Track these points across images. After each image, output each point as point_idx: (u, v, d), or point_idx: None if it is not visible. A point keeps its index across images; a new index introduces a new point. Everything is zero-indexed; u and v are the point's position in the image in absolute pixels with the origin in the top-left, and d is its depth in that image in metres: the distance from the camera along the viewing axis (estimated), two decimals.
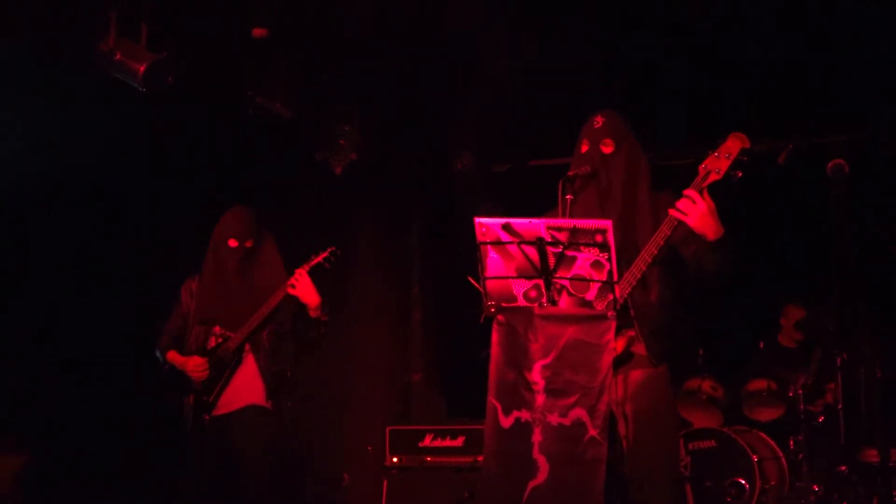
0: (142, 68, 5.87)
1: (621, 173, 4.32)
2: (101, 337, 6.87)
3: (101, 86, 6.07)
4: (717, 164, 4.03)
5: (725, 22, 6.34)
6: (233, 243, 5.43)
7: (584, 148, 4.37)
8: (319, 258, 5.40)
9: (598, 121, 4.38)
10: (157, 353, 5.57)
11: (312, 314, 5.37)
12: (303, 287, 5.30)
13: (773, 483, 6.87)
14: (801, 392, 7.16)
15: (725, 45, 6.56)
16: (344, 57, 6.96)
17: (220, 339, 5.43)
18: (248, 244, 5.46)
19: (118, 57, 5.87)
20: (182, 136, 6.86)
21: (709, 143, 6.75)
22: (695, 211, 3.95)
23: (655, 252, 4.02)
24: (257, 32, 6.47)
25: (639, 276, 4.04)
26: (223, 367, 5.37)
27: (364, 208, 8.29)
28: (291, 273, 5.38)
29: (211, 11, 6.20)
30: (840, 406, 6.92)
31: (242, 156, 7.22)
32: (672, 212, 3.99)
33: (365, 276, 8.16)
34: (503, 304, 3.97)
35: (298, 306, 5.38)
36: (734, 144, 4.04)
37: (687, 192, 4.00)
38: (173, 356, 5.49)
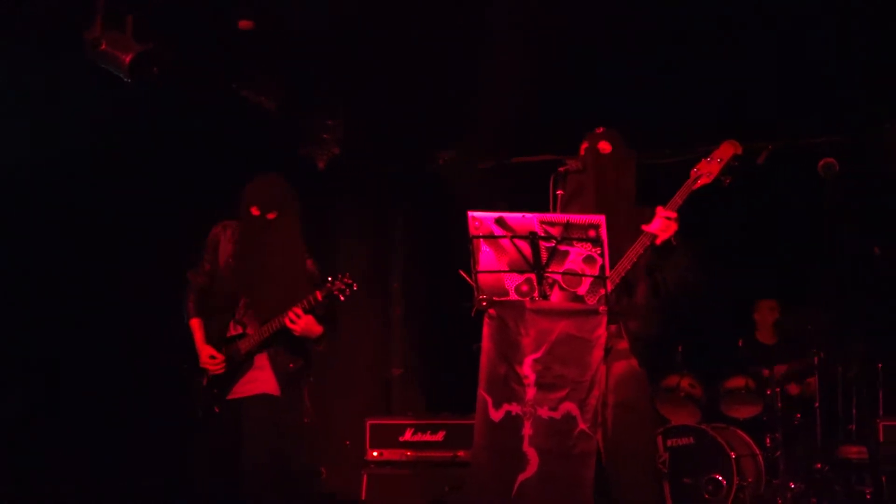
0: (127, 58, 5.83)
1: (613, 174, 4.40)
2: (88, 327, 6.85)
3: (87, 74, 6.03)
4: (708, 168, 4.15)
5: (712, 20, 6.39)
6: (255, 212, 5.31)
7: (583, 150, 4.47)
8: (334, 288, 5.23)
9: (600, 129, 4.51)
10: (183, 311, 5.41)
11: (313, 345, 5.34)
12: (303, 326, 5.20)
13: (750, 480, 6.92)
14: (777, 390, 7.23)
15: (711, 43, 6.61)
16: (329, 51, 6.95)
17: (238, 330, 5.37)
18: (271, 216, 5.31)
19: (104, 47, 5.82)
20: (166, 126, 6.82)
21: (692, 142, 6.83)
22: (670, 229, 4.06)
23: (635, 259, 4.12)
24: (243, 25, 6.46)
25: (623, 273, 4.11)
26: (233, 365, 5.32)
27: (346, 203, 8.28)
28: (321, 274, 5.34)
29: (197, 3, 6.18)
30: (817, 404, 7.00)
31: (225, 149, 7.19)
32: (646, 228, 4.10)
33: (346, 271, 8.14)
34: (495, 298, 3.99)
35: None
36: (726, 150, 4.16)
37: (664, 212, 4.10)
38: (195, 327, 5.37)
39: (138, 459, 6.67)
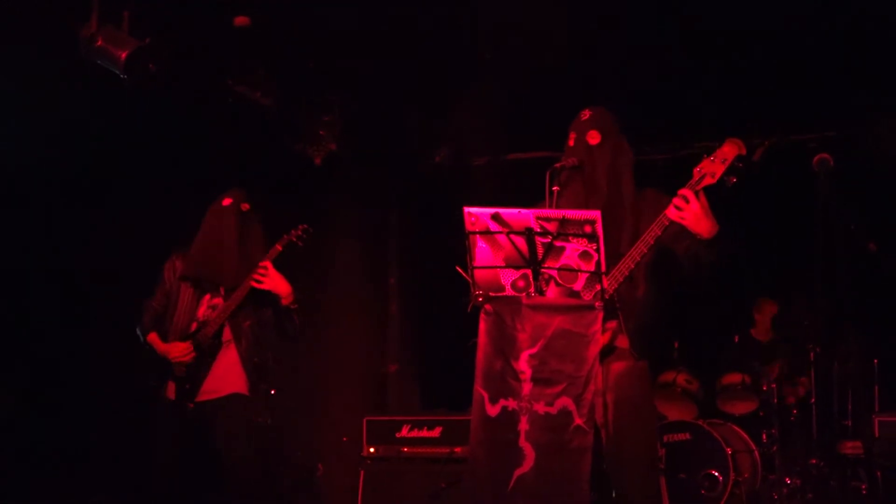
0: (123, 55, 5.83)
1: (606, 166, 4.37)
2: (80, 325, 6.86)
3: (81, 71, 6.02)
4: (712, 168, 4.07)
5: (703, 16, 6.40)
6: (227, 201, 5.46)
7: (571, 141, 4.43)
8: (291, 237, 5.41)
9: (586, 114, 4.45)
10: (139, 331, 5.51)
11: (284, 303, 5.36)
12: (271, 279, 5.29)
13: (746, 476, 6.94)
14: (773, 386, 7.25)
15: (704, 40, 6.62)
16: (325, 47, 6.95)
17: (198, 325, 5.40)
18: (244, 207, 5.48)
19: (100, 43, 5.82)
20: (162, 123, 6.82)
21: (686, 139, 6.83)
22: (689, 211, 4.01)
23: (645, 251, 4.09)
24: (239, 21, 6.46)
25: (626, 273, 4.10)
26: (202, 353, 5.35)
27: (343, 199, 8.28)
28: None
29: None
30: (813, 400, 7.02)
31: (221, 145, 7.20)
32: (665, 216, 4.04)
33: (342, 267, 8.17)
34: (491, 294, 3.99)
35: (272, 296, 5.37)
36: (731, 150, 4.07)
37: (682, 191, 4.05)
38: (154, 340, 5.44)
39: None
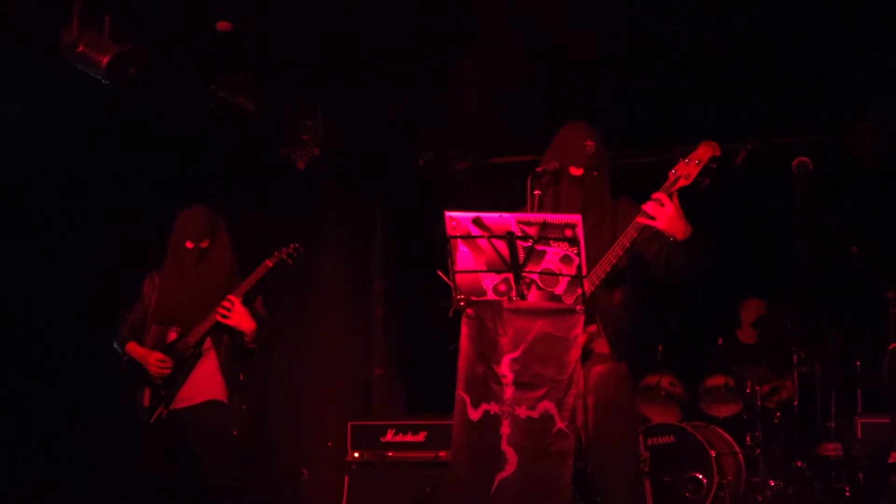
0: (105, 60, 5.84)
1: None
2: (59, 332, 6.83)
3: (63, 76, 6.01)
4: (686, 170, 4.08)
5: (685, 20, 6.42)
6: (189, 244, 5.43)
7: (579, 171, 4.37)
8: (282, 254, 5.39)
9: (590, 146, 4.36)
10: (116, 345, 5.51)
11: (245, 339, 5.35)
12: (236, 315, 5.27)
13: (730, 478, 6.97)
14: (758, 388, 7.27)
15: (686, 44, 6.64)
16: (308, 52, 6.95)
17: (178, 334, 5.39)
18: (204, 244, 5.44)
19: (81, 48, 5.82)
20: (144, 129, 6.81)
21: (668, 143, 6.85)
22: (663, 213, 4.01)
23: (621, 253, 4.09)
24: (221, 26, 6.46)
25: (602, 276, 4.10)
26: (182, 361, 5.34)
27: (326, 204, 8.28)
28: (242, 275, 5.39)
29: (175, 4, 6.17)
30: (796, 403, 7.05)
31: (204, 150, 7.18)
32: (640, 218, 4.05)
33: (327, 271, 8.16)
34: (472, 298, 3.99)
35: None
36: (704, 152, 4.09)
37: (655, 195, 4.05)
38: (133, 347, 5.43)
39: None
